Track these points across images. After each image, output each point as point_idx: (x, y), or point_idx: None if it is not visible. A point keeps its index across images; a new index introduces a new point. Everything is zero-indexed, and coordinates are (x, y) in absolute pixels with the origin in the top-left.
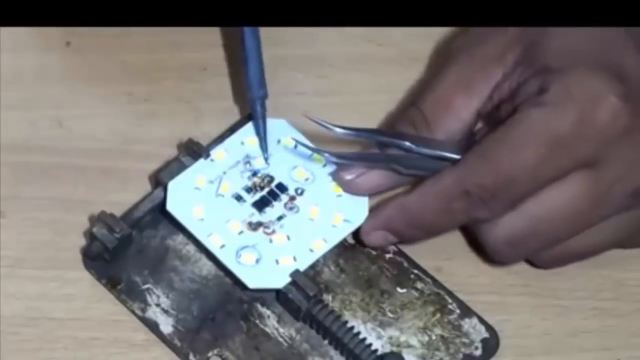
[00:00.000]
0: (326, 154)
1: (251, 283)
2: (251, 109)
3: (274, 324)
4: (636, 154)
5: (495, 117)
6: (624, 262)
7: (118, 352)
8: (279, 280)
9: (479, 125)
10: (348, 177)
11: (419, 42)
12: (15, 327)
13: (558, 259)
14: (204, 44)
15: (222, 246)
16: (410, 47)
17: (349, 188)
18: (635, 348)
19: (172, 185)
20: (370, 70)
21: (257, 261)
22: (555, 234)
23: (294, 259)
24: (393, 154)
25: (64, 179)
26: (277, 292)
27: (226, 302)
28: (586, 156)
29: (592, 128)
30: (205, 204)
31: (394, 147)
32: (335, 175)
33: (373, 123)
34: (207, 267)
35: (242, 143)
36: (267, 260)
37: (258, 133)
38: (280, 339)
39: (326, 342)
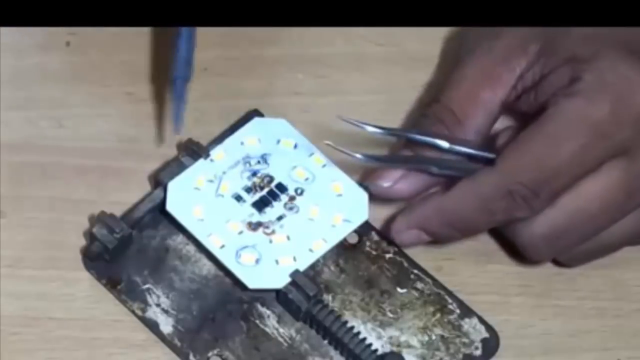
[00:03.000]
0: (358, 156)
1: (251, 283)
2: (172, 88)
3: (274, 324)
4: None
5: (516, 108)
6: (623, 262)
7: (118, 352)
8: (279, 280)
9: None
10: (385, 184)
11: (418, 42)
12: (15, 327)
13: (588, 254)
14: (204, 44)
15: (222, 246)
16: (410, 47)
17: (386, 195)
18: (635, 348)
19: (172, 186)
20: (370, 70)
21: (257, 261)
22: (592, 226)
23: (294, 259)
24: (426, 154)
25: (64, 179)
26: (277, 292)
27: (226, 302)
28: (624, 142)
29: (629, 113)
30: (205, 204)
31: (428, 146)
32: (369, 183)
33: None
34: (207, 267)
35: (242, 143)
36: (267, 260)
37: (177, 112)
38: (281, 339)
39: (326, 342)
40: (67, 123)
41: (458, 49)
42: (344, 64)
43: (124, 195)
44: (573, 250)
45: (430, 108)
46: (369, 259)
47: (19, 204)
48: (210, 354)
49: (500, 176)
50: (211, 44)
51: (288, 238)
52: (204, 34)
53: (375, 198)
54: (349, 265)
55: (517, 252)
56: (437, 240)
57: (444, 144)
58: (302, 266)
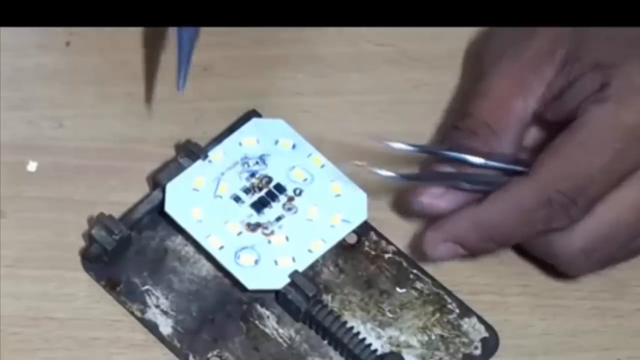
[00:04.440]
0: (391, 174)
1: (250, 284)
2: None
3: (274, 325)
4: None
5: (543, 117)
6: (623, 262)
7: (118, 352)
8: (278, 281)
9: None
10: (425, 200)
11: (419, 42)
12: (15, 327)
13: (613, 262)
14: (204, 44)
15: (221, 247)
16: (410, 47)
17: (426, 211)
18: (635, 348)
19: (170, 187)
20: (370, 70)
21: (256, 262)
22: (629, 236)
23: (293, 259)
24: (457, 171)
25: (64, 179)
26: (276, 292)
27: (225, 303)
28: None
29: None
30: (204, 205)
31: (460, 162)
32: (411, 200)
33: (373, 123)
34: (206, 268)
35: (240, 144)
36: (266, 261)
37: (182, 69)
38: (280, 340)
39: (326, 342)
40: (67, 123)
41: (480, 53)
42: (344, 64)
43: (123, 196)
44: (609, 262)
45: (463, 121)
46: (368, 259)
47: (19, 204)
48: (209, 354)
49: (538, 185)
50: (211, 44)
51: (287, 239)
52: (204, 33)
53: (413, 212)
54: (348, 266)
55: (518, 252)
56: (472, 254)
57: (478, 160)
58: (301, 267)
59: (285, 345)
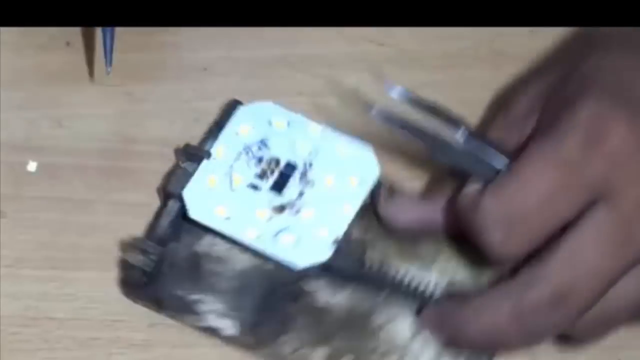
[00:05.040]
0: (373, 112)
1: (299, 263)
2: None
3: (327, 297)
4: None
5: None
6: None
7: (118, 352)
8: (322, 253)
9: None
10: (389, 210)
11: (419, 42)
12: (15, 327)
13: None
14: (204, 44)
15: (258, 237)
16: (410, 47)
17: (389, 221)
18: (635, 348)
19: (187, 193)
20: (370, 70)
21: (296, 241)
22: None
23: (328, 229)
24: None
25: (64, 179)
26: (322, 264)
27: (274, 289)
28: (598, 181)
29: (600, 151)
30: (226, 202)
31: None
32: (380, 206)
33: (372, 123)
34: (241, 262)
35: (237, 134)
36: (304, 237)
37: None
38: (338, 308)
39: (382, 296)
40: (67, 123)
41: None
42: (344, 64)
43: (123, 196)
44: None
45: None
46: None
47: (19, 204)
48: (279, 340)
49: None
50: (211, 44)
51: (315, 211)
52: (204, 33)
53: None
54: (374, 222)
55: None
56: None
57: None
58: (338, 233)
59: (344, 312)
